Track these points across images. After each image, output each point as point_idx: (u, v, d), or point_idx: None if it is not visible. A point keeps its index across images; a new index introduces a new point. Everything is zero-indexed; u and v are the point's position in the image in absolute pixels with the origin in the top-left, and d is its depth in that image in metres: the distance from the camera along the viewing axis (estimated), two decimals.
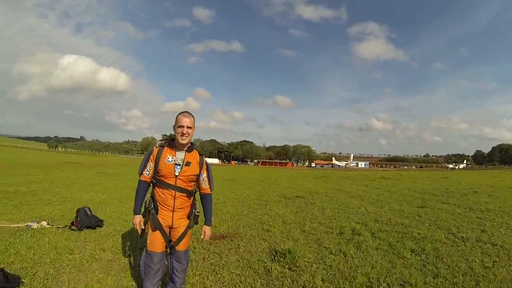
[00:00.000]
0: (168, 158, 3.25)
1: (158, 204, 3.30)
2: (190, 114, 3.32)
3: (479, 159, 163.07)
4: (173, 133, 3.35)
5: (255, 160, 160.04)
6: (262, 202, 11.32)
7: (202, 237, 3.60)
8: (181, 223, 3.37)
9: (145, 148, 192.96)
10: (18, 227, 6.10)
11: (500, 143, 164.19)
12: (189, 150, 3.36)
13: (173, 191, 3.26)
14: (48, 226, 6.24)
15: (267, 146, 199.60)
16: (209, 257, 5.03)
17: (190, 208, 3.43)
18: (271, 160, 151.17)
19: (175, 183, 3.24)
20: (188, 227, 3.43)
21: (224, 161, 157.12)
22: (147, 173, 3.31)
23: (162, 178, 3.25)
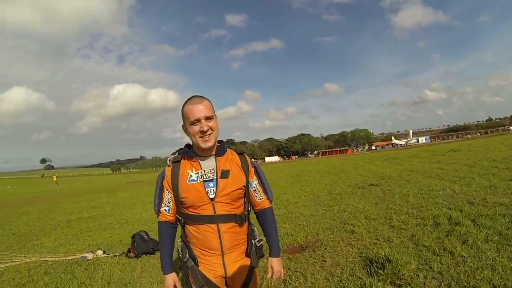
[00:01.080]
0: (191, 175, 2.10)
1: (196, 250, 2.16)
2: (203, 97, 2.13)
3: None
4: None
5: (315, 152, 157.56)
6: (335, 196, 10.15)
7: (269, 275, 2.33)
8: (240, 268, 2.20)
9: None
10: (73, 259, 5.66)
11: None
12: (220, 152, 2.19)
13: (214, 225, 2.07)
14: (103, 255, 5.73)
15: (325, 135, 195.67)
16: (291, 280, 4.07)
17: (247, 241, 2.25)
18: (331, 149, 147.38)
19: (214, 211, 2.07)
20: (252, 267, 2.24)
21: (284, 158, 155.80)
22: (166, 208, 2.19)
23: (191, 210, 2.09)
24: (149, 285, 4.36)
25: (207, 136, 2.05)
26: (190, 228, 2.14)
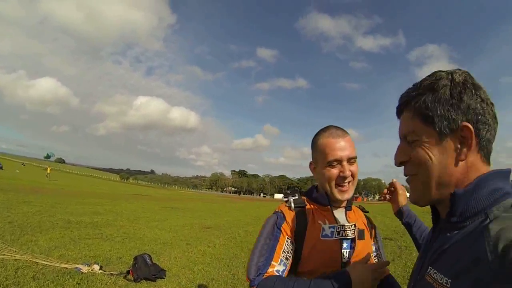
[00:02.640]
0: (324, 229, 1.54)
1: None
2: (344, 131, 1.62)
3: None
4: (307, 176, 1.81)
5: (377, 196, 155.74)
6: None
7: None
8: None
9: (213, 183, 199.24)
10: (66, 268, 5.17)
11: None
12: (350, 206, 1.68)
13: None
14: (100, 271, 5.22)
15: None
16: None
17: None
18: None
19: None
20: None
21: None
22: (281, 269, 1.42)
23: (308, 278, 1.40)
24: None
25: (347, 184, 1.54)
26: None
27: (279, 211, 1.59)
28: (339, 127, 1.62)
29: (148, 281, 5.11)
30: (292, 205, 1.59)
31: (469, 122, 0.81)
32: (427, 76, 0.90)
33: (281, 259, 1.42)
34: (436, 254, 0.84)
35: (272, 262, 1.40)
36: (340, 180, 1.52)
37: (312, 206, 1.62)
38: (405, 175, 0.94)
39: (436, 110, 0.84)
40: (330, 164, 1.52)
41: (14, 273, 4.67)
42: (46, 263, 5.29)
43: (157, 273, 5.33)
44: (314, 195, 1.65)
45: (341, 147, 1.51)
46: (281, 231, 1.49)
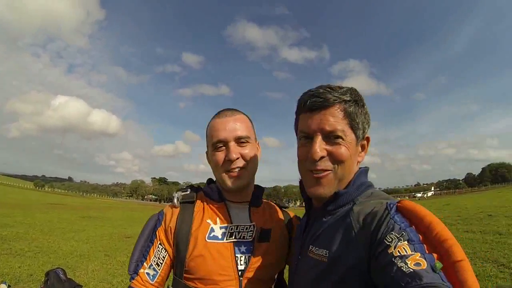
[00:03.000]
0: (213, 230, 1.35)
1: None
2: (237, 110, 1.44)
3: (471, 182, 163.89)
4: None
5: (298, 203, 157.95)
6: None
7: None
8: None
9: (134, 191, 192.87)
10: None
11: (488, 163, 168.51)
12: (256, 200, 1.46)
13: None
14: None
15: None
16: None
17: None
18: None
19: None
20: None
21: None
22: (151, 273, 1.34)
23: (199, 286, 1.30)
24: None
25: (237, 169, 1.32)
26: None
27: (161, 211, 1.43)
28: (232, 108, 1.44)
29: None
30: (175, 201, 1.40)
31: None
32: (348, 88, 1.08)
33: (150, 264, 1.34)
34: (315, 235, 1.08)
35: (144, 264, 1.35)
36: (227, 165, 1.32)
37: (205, 202, 1.43)
38: (318, 169, 1.06)
39: (360, 120, 1.07)
40: (216, 147, 1.34)
41: None
42: None
43: None
44: (206, 188, 1.47)
45: (226, 127, 1.33)
46: (156, 236, 1.37)
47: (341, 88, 1.06)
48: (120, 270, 6.96)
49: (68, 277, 5.38)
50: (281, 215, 1.56)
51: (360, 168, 1.15)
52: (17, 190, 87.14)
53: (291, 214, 1.61)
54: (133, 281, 1.34)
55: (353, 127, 1.05)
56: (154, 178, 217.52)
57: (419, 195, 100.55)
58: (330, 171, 1.06)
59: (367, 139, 1.14)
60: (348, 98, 1.04)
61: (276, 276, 1.52)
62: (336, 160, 1.05)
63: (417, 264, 0.74)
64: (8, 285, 5.06)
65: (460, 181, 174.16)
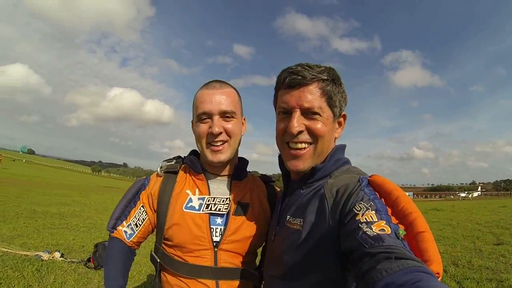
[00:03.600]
0: (191, 200, 1.38)
1: None
2: (225, 83, 1.44)
3: None
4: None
5: None
6: None
7: None
8: None
9: None
10: (27, 255, 5.19)
11: None
12: (238, 174, 1.48)
13: (211, 282, 1.32)
14: (60, 259, 5.26)
15: None
16: None
17: None
18: None
19: (215, 262, 1.34)
20: None
21: None
22: (128, 231, 1.45)
23: (178, 254, 1.37)
24: None
25: (219, 143, 1.35)
26: (170, 279, 1.38)
27: (147, 177, 1.53)
28: (222, 81, 1.45)
29: None
30: (160, 170, 1.47)
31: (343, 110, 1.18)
32: (326, 67, 1.13)
33: (129, 223, 1.43)
34: (293, 206, 1.14)
35: (123, 223, 1.46)
36: (210, 138, 1.34)
37: (188, 173, 1.47)
38: (297, 142, 1.12)
39: (337, 98, 1.13)
40: (200, 119, 1.35)
41: None
42: (6, 250, 5.30)
43: None
44: (187, 160, 1.49)
45: (213, 99, 1.33)
46: (139, 198, 1.46)
47: (319, 67, 1.11)
48: None
49: None
50: (264, 189, 1.56)
51: (337, 144, 1.22)
52: (76, 174, 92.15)
53: (277, 189, 1.61)
54: (112, 231, 1.47)
55: (330, 105, 1.11)
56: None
57: (463, 195, 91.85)
58: (308, 147, 1.12)
59: (344, 116, 1.20)
60: (326, 77, 1.10)
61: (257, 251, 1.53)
62: (313, 135, 1.11)
63: (382, 230, 0.79)
64: (62, 253, 5.44)
65: None
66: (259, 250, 1.53)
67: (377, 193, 0.94)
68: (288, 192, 1.25)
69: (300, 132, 1.10)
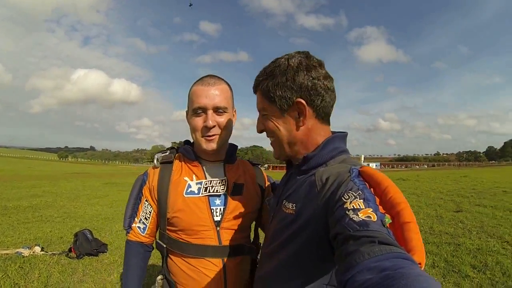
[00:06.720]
0: (190, 186, 1.51)
1: None
2: (220, 78, 1.54)
3: (492, 155, 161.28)
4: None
5: (266, 165, 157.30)
6: None
7: None
8: None
9: (154, 156, 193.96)
10: (7, 254, 5.18)
11: (510, 138, 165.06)
12: (230, 158, 1.62)
13: (217, 260, 1.47)
14: (41, 253, 5.30)
15: None
16: None
17: (251, 283, 1.57)
18: (282, 165, 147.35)
19: (219, 240, 1.48)
20: None
21: None
22: (141, 226, 1.58)
23: (183, 237, 1.49)
24: None
25: (212, 135, 1.47)
26: (178, 262, 1.50)
27: (145, 172, 1.62)
28: (216, 76, 1.53)
29: (90, 257, 5.25)
30: (156, 162, 1.58)
31: (302, 98, 1.09)
32: (270, 63, 1.17)
33: (140, 219, 1.56)
34: (288, 191, 1.20)
35: (135, 219, 1.58)
36: (205, 131, 1.46)
37: (183, 162, 1.58)
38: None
39: (276, 92, 1.12)
40: (195, 113, 1.45)
41: None
42: None
43: (99, 248, 5.47)
44: (181, 149, 1.60)
45: (208, 95, 1.43)
46: (142, 194, 1.57)
47: (265, 68, 1.19)
48: None
49: (95, 237, 5.80)
50: (253, 171, 1.71)
51: (335, 132, 1.22)
52: (42, 162, 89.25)
53: (263, 172, 1.77)
54: (128, 234, 1.59)
55: (271, 101, 1.15)
56: (175, 142, 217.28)
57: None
58: (272, 138, 1.24)
59: (298, 103, 1.11)
60: (261, 78, 1.18)
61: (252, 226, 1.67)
62: (268, 132, 1.23)
63: (368, 216, 0.80)
64: (42, 247, 5.47)
65: (481, 154, 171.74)
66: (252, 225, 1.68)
67: (366, 183, 0.95)
68: (288, 178, 1.31)
69: (263, 131, 1.26)
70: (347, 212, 0.83)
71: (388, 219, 0.81)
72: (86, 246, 5.34)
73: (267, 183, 1.74)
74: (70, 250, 5.29)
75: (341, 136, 1.19)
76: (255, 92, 1.24)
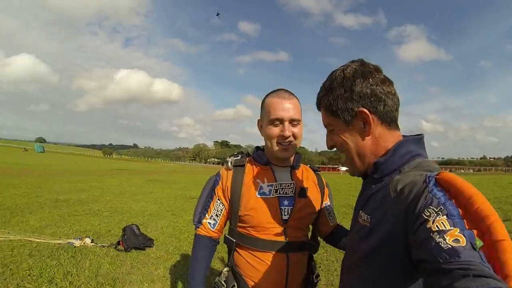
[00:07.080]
0: (262, 187, 1.64)
1: (250, 283, 1.64)
2: (292, 94, 1.68)
3: None
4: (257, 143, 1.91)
5: (308, 166, 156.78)
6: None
7: None
8: None
9: (196, 155, 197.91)
10: (60, 243, 5.40)
11: None
12: (296, 164, 1.77)
13: (283, 255, 1.61)
14: (91, 244, 5.47)
15: (319, 151, 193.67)
16: None
17: (306, 276, 1.77)
18: (324, 166, 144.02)
19: (286, 237, 1.62)
20: None
21: None
22: (212, 222, 1.71)
23: (252, 233, 1.63)
24: (139, 283, 4.15)
25: (287, 144, 1.62)
26: (245, 255, 1.65)
27: (218, 173, 1.76)
28: (288, 90, 1.68)
29: (137, 250, 5.36)
30: (229, 164, 1.72)
31: (364, 107, 1.05)
32: (327, 77, 1.16)
33: (211, 215, 1.70)
34: (364, 201, 1.15)
35: (206, 216, 1.72)
36: (281, 139, 1.60)
37: (254, 166, 1.73)
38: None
39: (337, 105, 1.09)
40: (273, 123, 1.60)
41: (10, 252, 4.86)
42: (39, 240, 5.50)
43: (146, 242, 5.57)
44: (254, 155, 1.77)
45: (284, 107, 1.58)
46: (215, 193, 1.71)
47: (323, 83, 1.18)
48: (186, 228, 7.33)
49: (141, 232, 5.92)
50: (314, 177, 1.87)
51: (405, 136, 1.14)
52: (88, 158, 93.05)
53: (322, 177, 1.92)
54: (198, 229, 1.73)
55: (335, 115, 1.12)
56: (216, 141, 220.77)
57: (343, 169, 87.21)
58: (343, 153, 1.20)
59: (361, 112, 1.06)
60: (322, 94, 1.18)
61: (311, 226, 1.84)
62: (338, 147, 1.19)
63: (456, 240, 0.71)
64: (92, 239, 5.64)
65: None
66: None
67: (447, 192, 0.83)
68: (364, 187, 1.24)
69: (333, 147, 1.22)
70: (431, 235, 0.75)
71: (479, 242, 0.71)
72: (134, 240, 5.45)
73: (326, 188, 1.89)
74: (118, 243, 5.42)
75: (415, 139, 1.11)
76: (319, 109, 1.23)
